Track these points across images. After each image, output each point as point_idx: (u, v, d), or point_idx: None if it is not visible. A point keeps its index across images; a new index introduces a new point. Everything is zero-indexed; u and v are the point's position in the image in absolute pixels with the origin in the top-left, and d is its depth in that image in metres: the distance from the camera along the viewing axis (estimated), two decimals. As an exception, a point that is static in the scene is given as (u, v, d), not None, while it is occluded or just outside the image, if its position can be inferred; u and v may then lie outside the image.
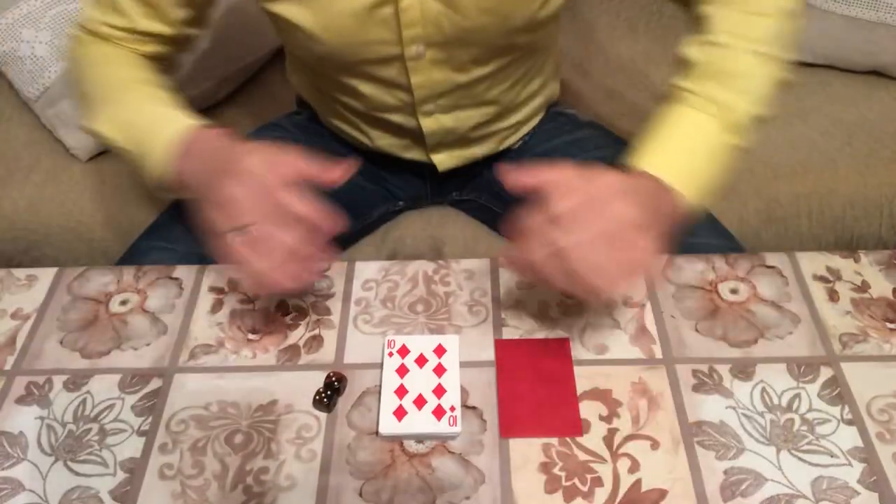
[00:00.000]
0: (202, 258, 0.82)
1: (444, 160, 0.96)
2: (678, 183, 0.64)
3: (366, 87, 0.84)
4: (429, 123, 0.88)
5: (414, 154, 0.96)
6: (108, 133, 0.75)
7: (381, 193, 1.04)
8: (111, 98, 0.76)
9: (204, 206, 0.64)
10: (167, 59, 0.85)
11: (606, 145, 0.97)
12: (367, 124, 0.92)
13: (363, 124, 0.93)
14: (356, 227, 1.03)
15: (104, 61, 0.80)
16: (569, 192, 0.59)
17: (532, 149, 1.00)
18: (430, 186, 1.05)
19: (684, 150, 0.67)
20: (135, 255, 0.86)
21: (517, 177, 0.61)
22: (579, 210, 0.58)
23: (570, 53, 1.36)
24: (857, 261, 0.74)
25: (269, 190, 0.60)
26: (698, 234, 0.84)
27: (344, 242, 1.05)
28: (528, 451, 0.61)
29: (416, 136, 0.92)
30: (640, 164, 0.65)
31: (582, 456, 0.60)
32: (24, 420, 0.64)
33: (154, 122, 0.73)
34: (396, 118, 0.88)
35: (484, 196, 1.04)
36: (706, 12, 0.71)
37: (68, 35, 0.84)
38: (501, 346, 0.68)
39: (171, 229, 0.87)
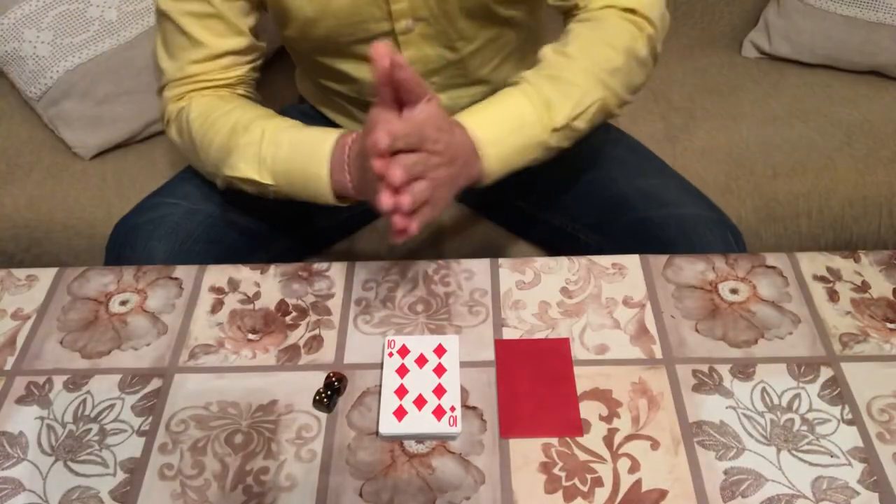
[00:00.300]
0: (208, 215, 0.87)
1: None
2: (487, 153, 0.70)
3: (362, 71, 0.88)
4: None
5: None
6: (256, 176, 0.77)
7: None
8: (243, 143, 0.77)
9: (367, 194, 0.69)
10: (252, 83, 0.90)
11: (595, 136, 0.97)
12: (367, 113, 0.94)
13: (363, 114, 0.94)
14: (355, 218, 1.05)
15: (212, 111, 0.82)
16: (439, 136, 0.65)
17: None
18: None
19: (503, 129, 0.72)
20: (143, 209, 0.89)
21: (401, 70, 0.62)
22: (443, 152, 0.65)
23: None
24: (857, 261, 0.74)
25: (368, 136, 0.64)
26: (686, 204, 0.86)
27: (343, 232, 1.06)
28: (528, 451, 0.61)
29: None
30: (466, 124, 0.70)
31: (582, 456, 0.60)
32: (24, 420, 0.64)
33: (303, 153, 0.75)
34: None
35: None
36: (571, 28, 0.80)
37: (162, 98, 0.88)
38: (501, 346, 0.68)
39: (181, 187, 0.90)
